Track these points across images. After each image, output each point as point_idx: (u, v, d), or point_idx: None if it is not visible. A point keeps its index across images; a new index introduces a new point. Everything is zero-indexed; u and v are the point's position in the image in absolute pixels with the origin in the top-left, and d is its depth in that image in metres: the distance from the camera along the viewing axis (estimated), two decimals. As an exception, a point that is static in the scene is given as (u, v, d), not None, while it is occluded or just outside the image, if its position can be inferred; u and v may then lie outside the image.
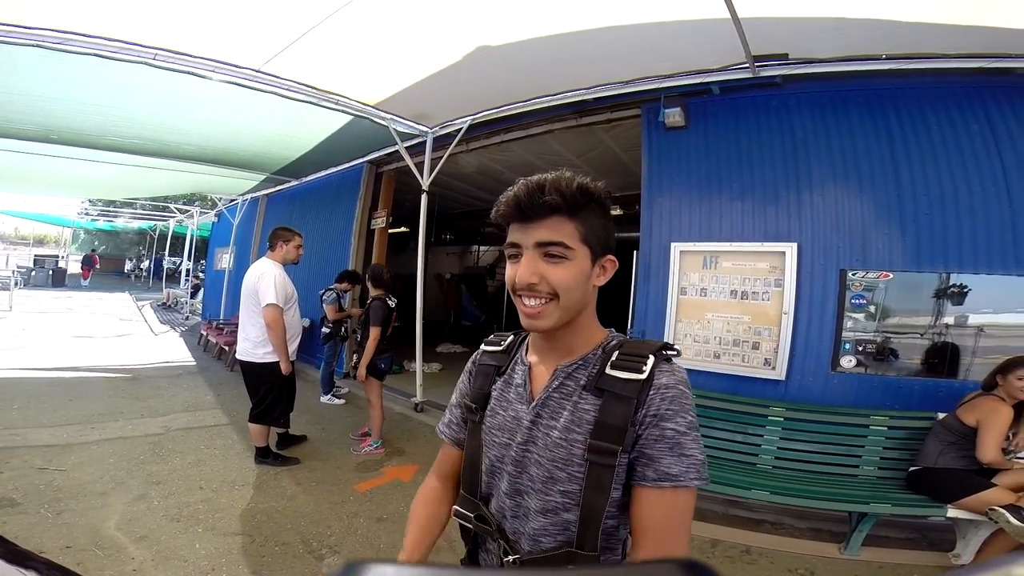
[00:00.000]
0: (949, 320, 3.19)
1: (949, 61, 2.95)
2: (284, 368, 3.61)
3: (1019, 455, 2.80)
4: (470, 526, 0.98)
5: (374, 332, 3.91)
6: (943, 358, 3.22)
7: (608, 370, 0.85)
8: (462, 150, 5.37)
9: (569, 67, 3.65)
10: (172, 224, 16.47)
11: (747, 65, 3.28)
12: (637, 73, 3.70)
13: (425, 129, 5.12)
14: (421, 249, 5.43)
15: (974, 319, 3.15)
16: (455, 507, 1.02)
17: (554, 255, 0.83)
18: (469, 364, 1.09)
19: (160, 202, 14.10)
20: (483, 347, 1.08)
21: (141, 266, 25.56)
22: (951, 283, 3.16)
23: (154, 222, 18.27)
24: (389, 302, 4.06)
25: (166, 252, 18.35)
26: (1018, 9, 2.40)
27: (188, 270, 15.22)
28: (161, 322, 11.55)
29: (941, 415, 2.95)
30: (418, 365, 5.50)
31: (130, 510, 2.92)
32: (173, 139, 5.58)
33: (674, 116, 3.82)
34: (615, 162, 5.94)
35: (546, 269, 0.83)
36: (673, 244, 3.88)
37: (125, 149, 5.99)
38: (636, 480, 0.80)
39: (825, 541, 2.98)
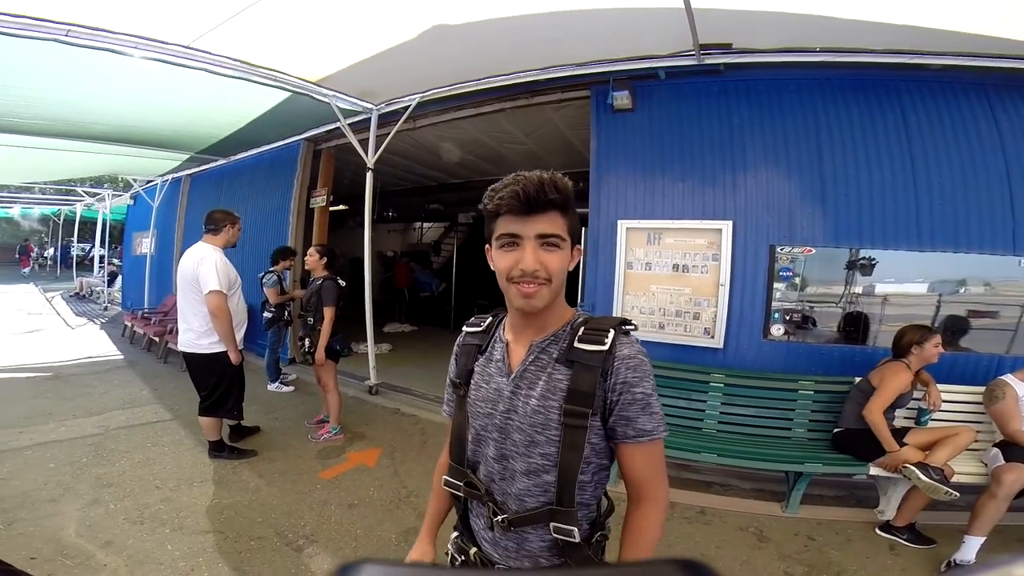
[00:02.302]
0: (859, 290, 3.56)
1: (875, 56, 3.21)
2: (233, 357, 3.48)
3: (934, 414, 3.08)
4: (460, 494, 1.09)
5: (329, 313, 3.82)
6: (857, 326, 3.59)
7: (576, 343, 0.97)
8: (409, 127, 5.26)
9: (523, 48, 3.67)
10: (79, 208, 14.94)
11: (693, 52, 3.44)
12: (589, 56, 3.78)
13: (370, 106, 4.97)
14: (368, 228, 5.30)
15: (880, 289, 3.54)
16: (444, 476, 1.12)
17: (552, 244, 0.94)
18: (455, 347, 1.18)
19: (65, 185, 12.71)
20: (465, 329, 1.17)
21: (45, 254, 23.17)
22: (860, 256, 3.52)
23: (58, 207, 16.55)
24: (340, 282, 3.98)
25: (74, 238, 16.64)
26: (935, 10, 2.66)
27: (102, 256, 13.91)
28: (77, 314, 10.58)
29: (858, 379, 3.17)
30: (370, 346, 5.42)
31: (87, 515, 2.77)
32: (83, 119, 5.09)
33: (622, 99, 3.94)
34: (562, 141, 6.04)
35: (544, 257, 0.93)
36: (620, 221, 4.05)
37: (24, 131, 5.39)
38: (619, 438, 0.96)
39: (768, 500, 3.23)
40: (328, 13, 3.12)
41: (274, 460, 3.65)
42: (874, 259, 3.51)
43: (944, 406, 3.10)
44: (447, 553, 1.15)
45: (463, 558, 1.10)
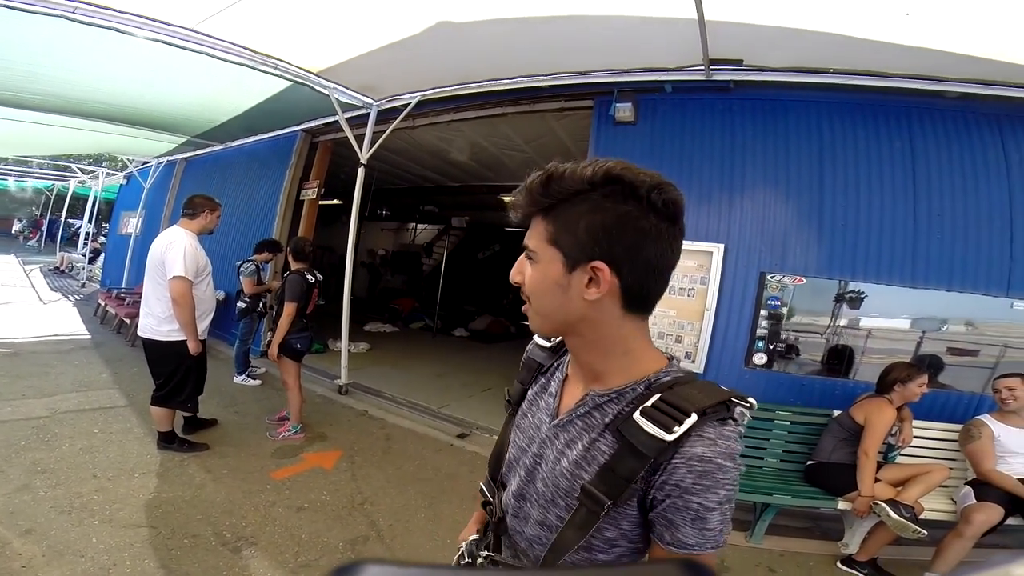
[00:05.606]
0: (844, 323, 3.48)
1: (892, 80, 3.12)
2: (192, 348, 3.31)
3: (903, 451, 3.09)
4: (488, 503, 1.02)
5: (288, 308, 3.65)
6: (840, 359, 3.51)
7: (637, 415, 0.72)
8: (408, 126, 5.15)
9: (528, 52, 3.58)
10: (73, 184, 14.75)
11: (702, 67, 3.35)
12: (595, 65, 3.69)
13: (370, 101, 4.87)
14: (353, 224, 5.18)
15: (865, 323, 3.46)
16: (481, 483, 1.04)
17: (529, 256, 0.80)
18: (525, 353, 1.03)
19: (61, 161, 12.53)
20: (535, 338, 1.00)
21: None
22: (849, 288, 3.43)
23: (52, 182, 16.38)
24: (309, 277, 3.81)
25: (63, 213, 16.43)
26: (961, 33, 2.55)
27: (88, 233, 13.66)
28: (52, 289, 10.31)
29: (836, 412, 3.17)
30: (344, 345, 5.23)
31: (11, 502, 2.60)
32: (84, 96, 4.99)
33: (624, 111, 3.86)
34: (563, 151, 5.95)
35: (525, 268, 0.81)
36: (607, 238, 3.93)
37: (24, 105, 5.30)
38: (654, 535, 0.73)
39: (734, 530, 3.15)
40: (332, 1, 3.03)
41: (225, 456, 3.46)
42: (863, 292, 3.42)
43: (919, 443, 3.14)
44: (459, 549, 1.03)
45: (469, 560, 0.99)
